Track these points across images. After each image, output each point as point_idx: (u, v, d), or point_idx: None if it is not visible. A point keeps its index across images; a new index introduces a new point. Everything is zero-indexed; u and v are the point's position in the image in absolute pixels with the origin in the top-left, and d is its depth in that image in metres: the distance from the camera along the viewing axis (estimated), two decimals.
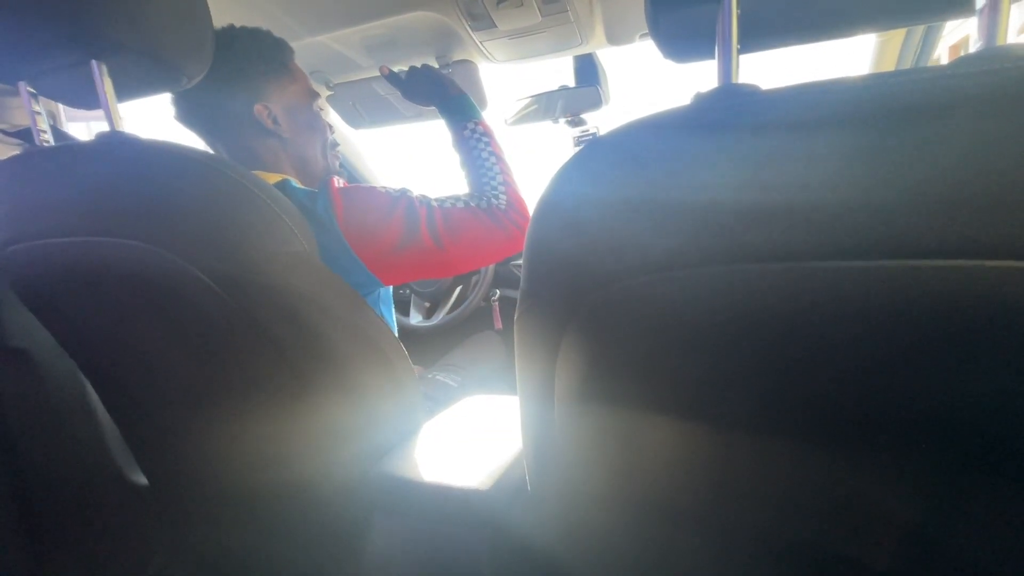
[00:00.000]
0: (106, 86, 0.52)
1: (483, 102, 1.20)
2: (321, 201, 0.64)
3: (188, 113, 0.72)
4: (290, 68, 0.76)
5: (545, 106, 1.17)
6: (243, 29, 0.73)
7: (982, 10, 0.33)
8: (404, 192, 0.69)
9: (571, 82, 1.13)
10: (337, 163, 0.84)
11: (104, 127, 0.54)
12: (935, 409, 0.31)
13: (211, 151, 0.74)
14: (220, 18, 0.66)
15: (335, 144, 0.83)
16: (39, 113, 0.58)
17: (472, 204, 0.70)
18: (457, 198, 0.71)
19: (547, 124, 1.23)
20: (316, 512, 0.70)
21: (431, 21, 0.97)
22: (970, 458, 0.31)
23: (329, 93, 1.22)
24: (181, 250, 0.51)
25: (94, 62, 0.51)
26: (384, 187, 0.69)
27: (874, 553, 0.37)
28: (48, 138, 0.58)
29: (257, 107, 0.70)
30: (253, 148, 0.72)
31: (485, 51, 1.07)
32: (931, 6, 0.40)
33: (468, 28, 0.98)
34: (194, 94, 0.63)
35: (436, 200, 0.69)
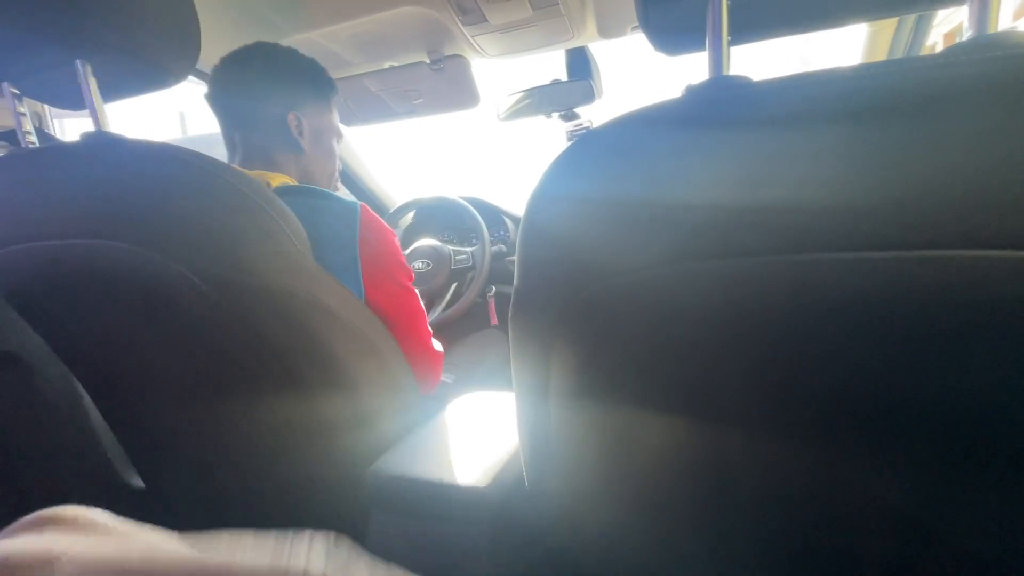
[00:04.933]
0: (91, 86, 0.52)
1: (475, 98, 1.20)
2: (352, 215, 0.67)
3: (220, 94, 0.75)
4: (330, 102, 0.81)
5: (538, 101, 1.17)
6: (306, 56, 0.79)
7: None
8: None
9: (563, 76, 1.13)
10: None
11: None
12: (935, 400, 0.31)
13: (222, 137, 0.77)
14: (206, 16, 0.65)
15: (337, 178, 0.88)
16: (24, 114, 0.57)
17: None
18: None
19: (540, 119, 1.23)
20: (313, 511, 0.70)
21: (421, 16, 0.96)
22: (970, 450, 0.31)
23: None
24: (171, 252, 0.50)
25: (78, 61, 0.50)
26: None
27: (873, 546, 0.37)
28: (33, 139, 0.58)
29: (291, 114, 0.75)
30: (270, 147, 0.76)
31: (476, 46, 1.06)
32: None
33: (459, 22, 0.97)
34: (236, 77, 0.70)
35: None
